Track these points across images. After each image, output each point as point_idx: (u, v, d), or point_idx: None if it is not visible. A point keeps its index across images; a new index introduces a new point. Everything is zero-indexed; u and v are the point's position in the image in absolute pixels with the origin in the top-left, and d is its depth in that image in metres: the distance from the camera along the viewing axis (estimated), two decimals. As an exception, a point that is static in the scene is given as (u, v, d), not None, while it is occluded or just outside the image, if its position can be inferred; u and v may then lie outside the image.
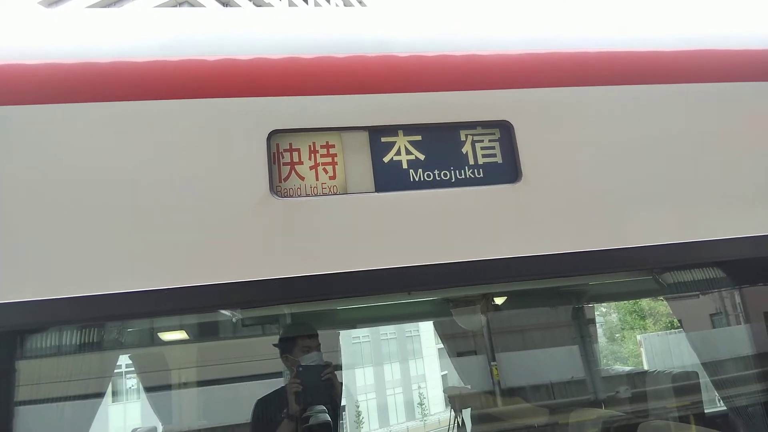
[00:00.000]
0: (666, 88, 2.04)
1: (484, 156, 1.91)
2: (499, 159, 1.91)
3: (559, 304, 4.04)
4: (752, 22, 2.38)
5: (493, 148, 1.92)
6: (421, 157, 1.88)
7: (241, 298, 1.68)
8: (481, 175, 1.89)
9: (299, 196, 1.79)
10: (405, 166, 1.86)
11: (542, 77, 1.97)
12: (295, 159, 1.83)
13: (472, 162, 1.90)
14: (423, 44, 2.01)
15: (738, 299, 2.44)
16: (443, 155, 1.89)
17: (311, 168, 1.83)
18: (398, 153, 1.87)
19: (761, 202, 2.01)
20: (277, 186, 1.78)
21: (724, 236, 1.93)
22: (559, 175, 1.89)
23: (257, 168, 1.73)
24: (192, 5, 45.07)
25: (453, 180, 1.87)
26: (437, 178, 1.86)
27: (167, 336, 2.66)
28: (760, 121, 2.08)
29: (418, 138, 1.90)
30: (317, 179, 1.82)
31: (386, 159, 1.86)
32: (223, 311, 2.19)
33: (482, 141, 1.92)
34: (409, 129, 1.89)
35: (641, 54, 2.10)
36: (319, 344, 2.78)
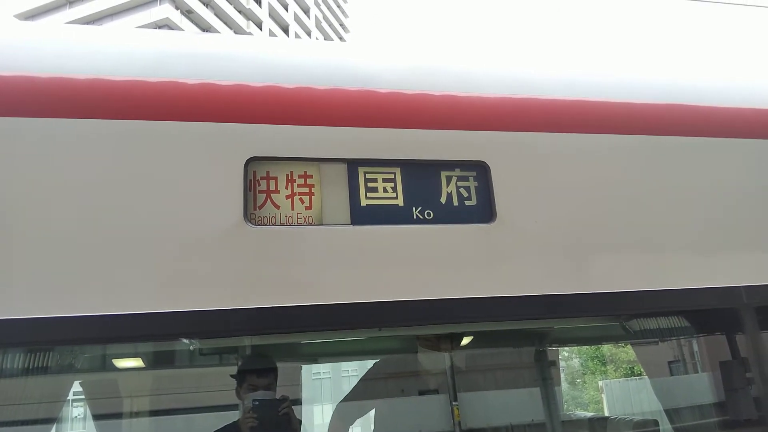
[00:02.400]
0: (640, 138, 2.12)
1: (459, 195, 1.93)
2: (474, 199, 1.93)
3: (524, 345, 4.05)
4: (731, 78, 2.51)
5: (468, 187, 1.95)
6: (398, 192, 1.89)
7: (206, 327, 1.63)
8: (457, 213, 1.90)
9: (273, 225, 1.77)
10: (381, 200, 1.87)
11: (519, 121, 2.03)
12: (272, 187, 1.82)
13: (447, 200, 1.92)
14: (402, 81, 2.05)
15: (697, 348, 2.49)
16: (419, 192, 1.91)
17: (287, 197, 1.82)
18: (375, 187, 1.88)
19: (732, 254, 2.08)
20: (251, 213, 1.76)
21: (693, 286, 1.98)
22: (533, 217, 1.92)
23: (232, 194, 1.70)
24: (172, 29, 45.16)
25: (428, 217, 1.88)
26: (413, 214, 1.87)
27: (123, 363, 2.55)
28: (732, 176, 2.17)
29: (396, 173, 1.91)
30: (293, 209, 1.81)
31: (363, 192, 1.86)
32: (183, 339, 2.12)
33: (458, 180, 1.95)
34: (387, 164, 1.91)
35: (617, 104, 2.19)
36: (277, 378, 2.70)
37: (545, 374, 4.15)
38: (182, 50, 1.98)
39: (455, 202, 1.92)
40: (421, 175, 1.92)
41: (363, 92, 1.96)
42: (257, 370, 2.68)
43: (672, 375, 2.81)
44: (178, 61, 1.89)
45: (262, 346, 2.83)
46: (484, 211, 1.91)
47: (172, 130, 1.72)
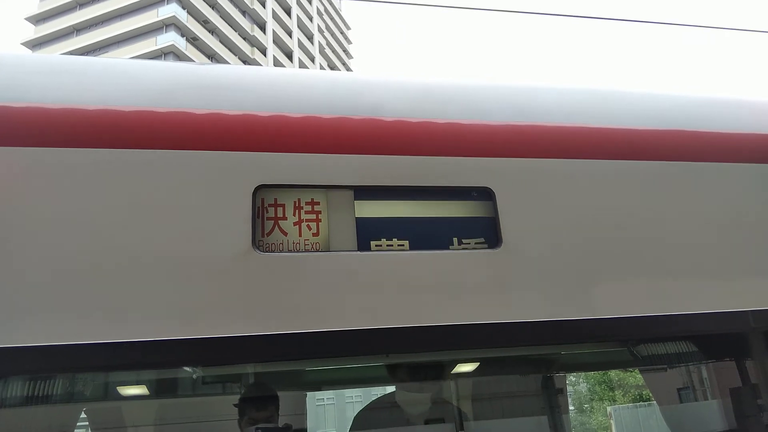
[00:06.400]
0: (647, 164, 2.13)
1: (465, 221, 1.94)
2: (480, 224, 1.94)
3: (530, 372, 4.01)
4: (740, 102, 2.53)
5: (474, 213, 1.96)
6: (404, 218, 1.90)
7: (214, 354, 1.63)
8: (463, 239, 1.91)
9: (281, 252, 1.78)
10: (388, 226, 1.88)
11: (524, 147, 2.05)
12: (280, 214, 1.83)
13: (452, 226, 1.93)
14: (407, 110, 2.08)
15: (707, 374, 2.47)
16: (425, 218, 1.92)
17: (295, 224, 1.83)
18: (381, 213, 1.89)
19: (738, 278, 2.07)
20: (259, 240, 1.77)
21: (701, 310, 1.97)
22: (540, 243, 1.93)
23: (241, 221, 1.72)
24: (178, 57, 45.91)
25: (434, 243, 1.89)
26: (419, 241, 1.88)
27: (127, 391, 2.53)
28: (740, 200, 2.17)
29: (401, 199, 1.93)
30: (300, 235, 1.82)
31: (369, 218, 1.87)
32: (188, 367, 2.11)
33: (464, 206, 1.96)
34: (392, 190, 1.92)
35: (622, 131, 2.20)
36: (278, 409, 2.68)
37: (552, 401, 4.11)
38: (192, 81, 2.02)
39: (461, 228, 1.93)
40: (426, 202, 1.94)
41: (367, 120, 1.99)
42: (257, 404, 2.66)
43: (680, 402, 2.78)
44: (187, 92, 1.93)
45: (266, 374, 2.81)
46: (489, 237, 1.92)
47: (182, 159, 1.74)
